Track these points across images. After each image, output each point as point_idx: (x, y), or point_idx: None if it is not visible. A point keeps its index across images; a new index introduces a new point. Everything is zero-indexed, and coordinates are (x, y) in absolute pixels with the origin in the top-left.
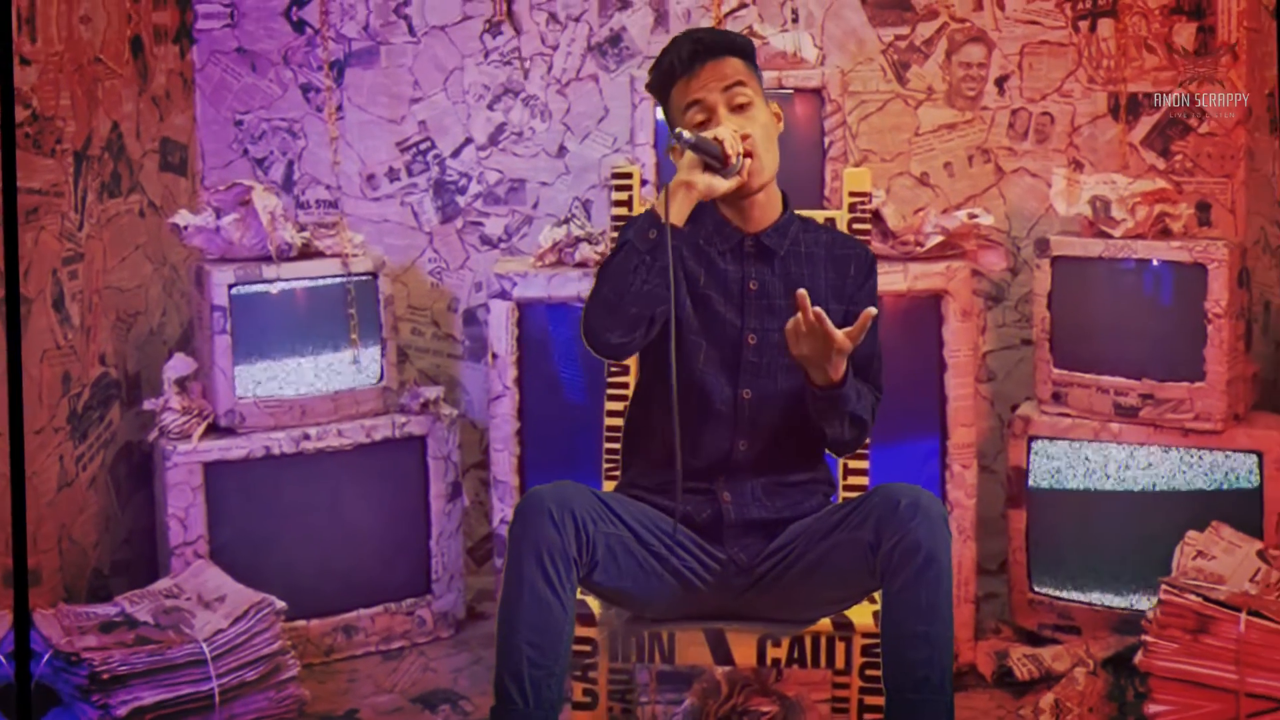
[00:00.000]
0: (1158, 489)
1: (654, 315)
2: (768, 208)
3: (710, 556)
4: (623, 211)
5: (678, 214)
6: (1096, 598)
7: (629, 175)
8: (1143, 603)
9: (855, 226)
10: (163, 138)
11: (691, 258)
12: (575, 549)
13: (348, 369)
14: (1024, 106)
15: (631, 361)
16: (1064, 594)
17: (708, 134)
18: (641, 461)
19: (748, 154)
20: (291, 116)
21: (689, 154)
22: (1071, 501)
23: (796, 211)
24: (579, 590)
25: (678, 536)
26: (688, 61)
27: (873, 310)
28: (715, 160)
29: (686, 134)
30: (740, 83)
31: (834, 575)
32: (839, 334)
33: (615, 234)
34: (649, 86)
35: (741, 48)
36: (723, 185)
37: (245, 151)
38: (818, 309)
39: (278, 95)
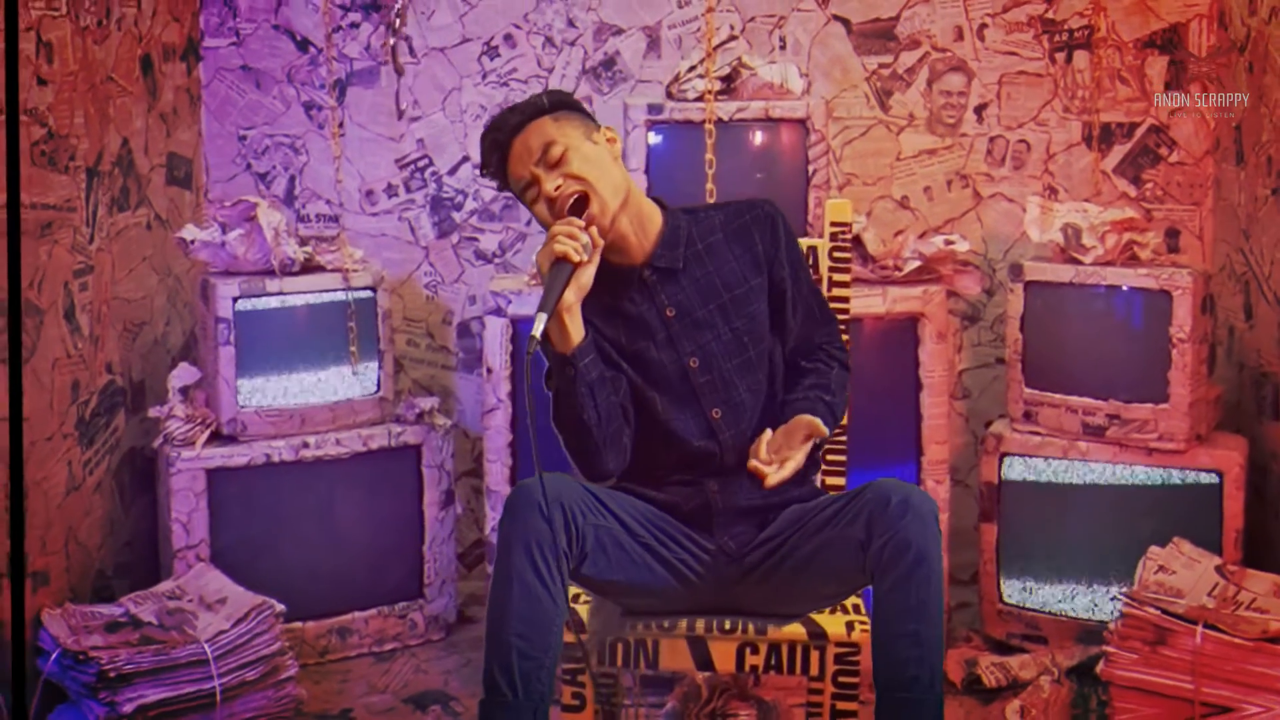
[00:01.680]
0: (1123, 505)
1: (624, 410)
2: (645, 229)
3: (700, 547)
4: None
5: (574, 333)
6: (1062, 608)
7: None
8: (1106, 614)
9: (836, 255)
10: (169, 152)
11: (600, 321)
12: (565, 541)
13: (346, 380)
14: (1001, 134)
15: None
16: (1032, 605)
17: (542, 260)
18: (628, 476)
19: (586, 226)
20: (294, 133)
21: (559, 291)
22: (1043, 509)
23: (678, 208)
24: (571, 585)
25: (667, 529)
26: (495, 147)
27: (804, 419)
28: (571, 275)
29: (535, 333)
30: (547, 143)
31: (825, 571)
32: (770, 475)
33: None
34: (485, 175)
35: (538, 111)
36: (589, 270)
37: (249, 166)
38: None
39: (281, 112)
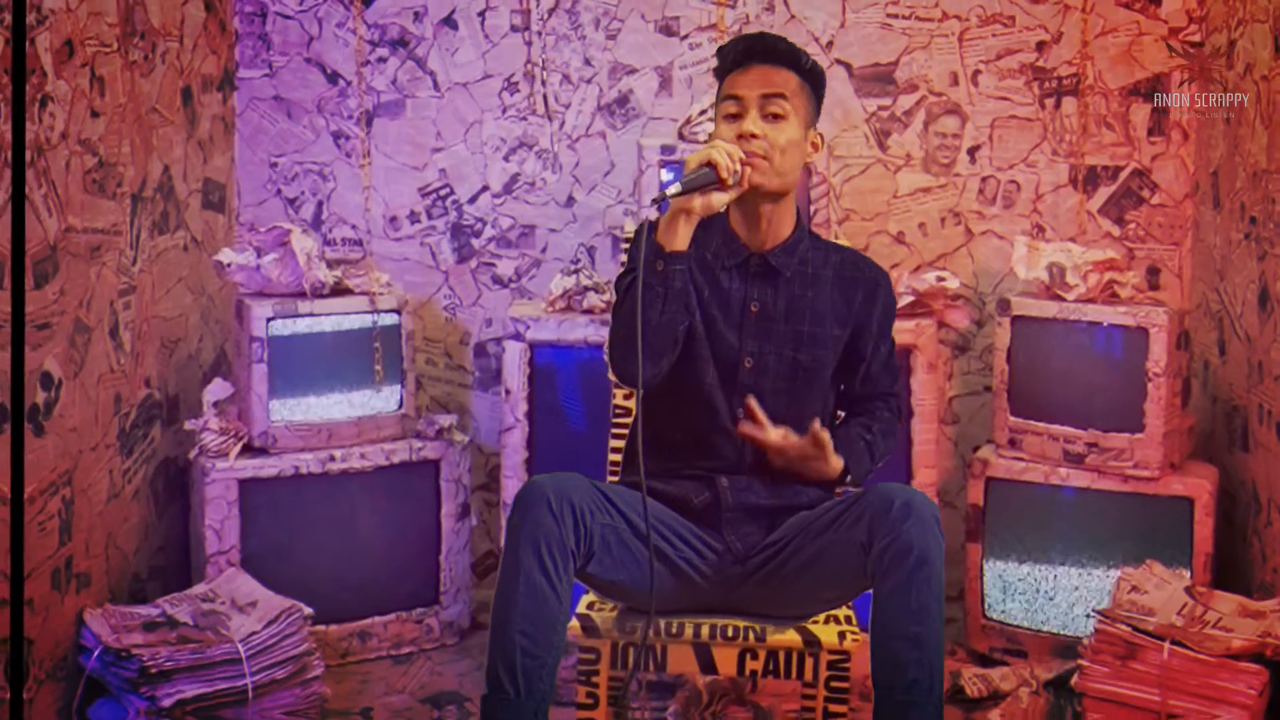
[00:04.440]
0: (1101, 529)
1: (677, 337)
2: (779, 225)
3: (707, 546)
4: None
5: (681, 239)
6: (1042, 624)
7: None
8: (1082, 629)
9: None
10: (205, 178)
11: (697, 271)
12: (573, 540)
13: (371, 397)
14: (993, 174)
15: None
16: (1013, 621)
17: (696, 157)
18: (648, 459)
19: (748, 162)
20: (323, 160)
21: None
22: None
23: (814, 231)
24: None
25: (676, 528)
26: (742, 57)
27: (817, 428)
28: (710, 185)
29: (670, 191)
30: (780, 95)
31: (828, 573)
32: (789, 443)
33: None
34: (714, 71)
35: (799, 64)
36: (723, 199)
37: (279, 191)
38: (775, 435)
39: (310, 140)
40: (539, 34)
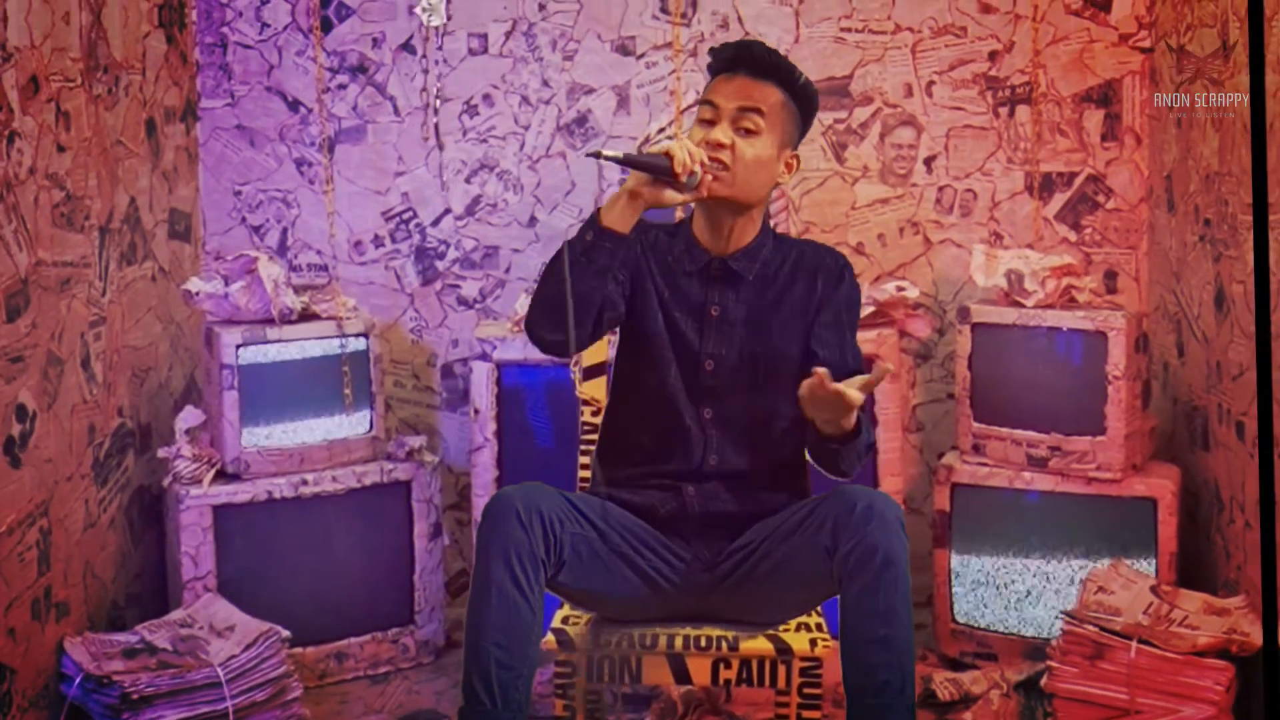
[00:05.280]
0: (1066, 531)
1: (598, 317)
2: (741, 233)
3: (674, 554)
4: None
5: (618, 218)
6: (1011, 627)
7: None
8: (1050, 631)
9: None
10: (171, 208)
11: (659, 274)
12: (543, 550)
13: (341, 421)
14: (949, 184)
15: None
16: (982, 624)
17: (658, 148)
18: (613, 465)
19: (710, 170)
20: (286, 187)
21: (635, 173)
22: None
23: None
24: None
25: (643, 536)
26: (730, 64)
27: (888, 367)
28: (661, 174)
29: (607, 151)
30: (756, 110)
31: (795, 579)
32: (852, 393)
33: None
34: (707, 67)
35: (788, 81)
36: (674, 197)
37: (243, 219)
38: (831, 384)
39: (274, 168)
40: (435, 62)
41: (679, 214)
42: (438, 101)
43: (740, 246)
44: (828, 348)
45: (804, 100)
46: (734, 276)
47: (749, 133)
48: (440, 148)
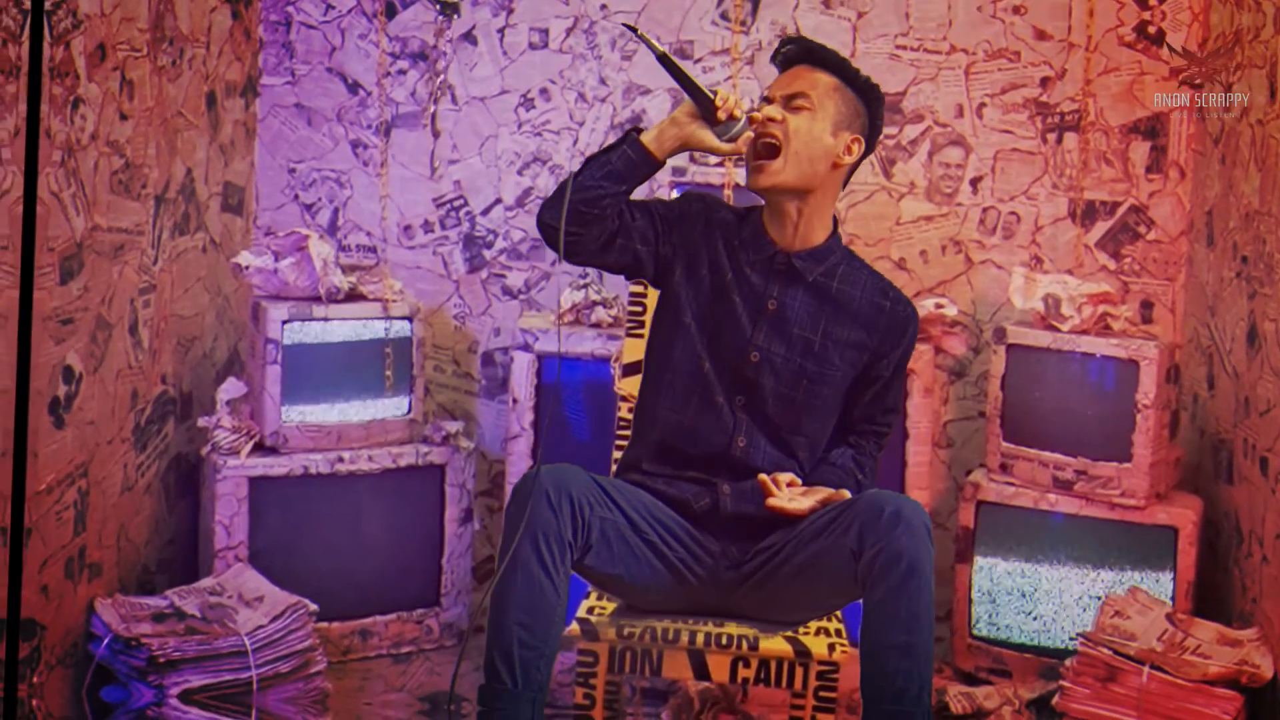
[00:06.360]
0: (1087, 555)
1: (603, 235)
2: (808, 228)
3: (703, 548)
4: (639, 289)
5: (655, 137)
6: (1027, 646)
7: None
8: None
9: None
10: (226, 181)
11: (724, 253)
12: (571, 532)
13: (380, 401)
14: (994, 205)
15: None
16: (999, 641)
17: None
18: (643, 444)
19: (761, 132)
20: (340, 168)
21: (687, 103)
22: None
23: (852, 248)
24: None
25: (672, 527)
26: (783, 62)
27: (845, 494)
28: (701, 101)
29: (656, 45)
30: (803, 93)
31: (819, 580)
32: (793, 506)
33: (630, 304)
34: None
35: (837, 68)
36: (707, 140)
37: (296, 197)
38: (780, 501)
39: (329, 148)
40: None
41: (727, 193)
42: (439, 91)
43: (808, 246)
44: (883, 400)
45: (860, 88)
46: (796, 275)
47: (798, 109)
48: (435, 135)
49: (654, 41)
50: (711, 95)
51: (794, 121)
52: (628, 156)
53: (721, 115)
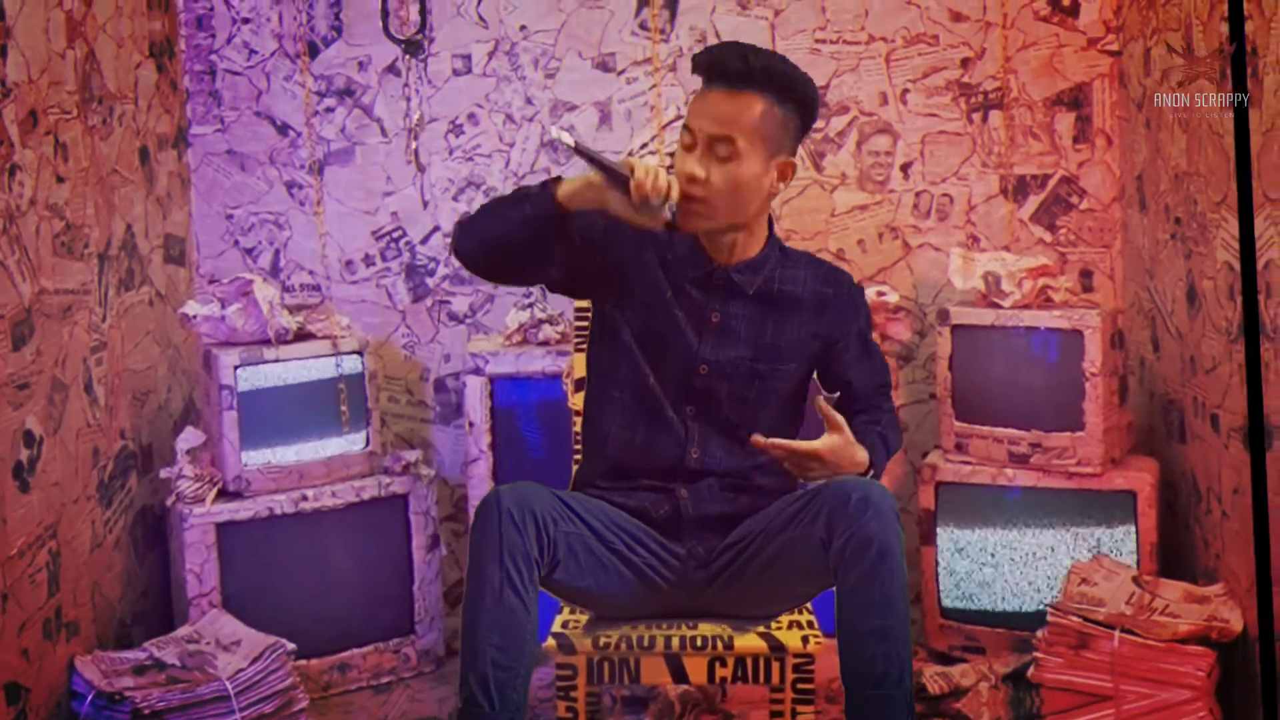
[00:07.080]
0: (1048, 525)
1: (512, 262)
2: (745, 245)
3: (669, 552)
4: (584, 304)
5: (567, 193)
6: (998, 621)
7: None
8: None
9: None
10: (166, 234)
11: (659, 268)
12: (537, 549)
13: (338, 438)
14: (926, 189)
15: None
16: (970, 620)
17: (631, 161)
18: (595, 461)
19: (687, 204)
20: (277, 210)
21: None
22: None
23: (779, 240)
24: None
25: (636, 534)
26: (705, 77)
27: (822, 401)
28: (614, 181)
29: (566, 138)
30: (729, 138)
31: (790, 571)
32: (819, 446)
33: (576, 319)
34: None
35: (771, 85)
36: (625, 212)
37: (236, 242)
38: (785, 448)
39: (264, 191)
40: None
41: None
42: (417, 126)
43: (744, 259)
44: (862, 376)
45: (795, 100)
46: (736, 288)
47: (725, 159)
48: (421, 170)
49: (566, 138)
50: (625, 176)
51: (718, 175)
52: (540, 202)
53: (635, 200)
